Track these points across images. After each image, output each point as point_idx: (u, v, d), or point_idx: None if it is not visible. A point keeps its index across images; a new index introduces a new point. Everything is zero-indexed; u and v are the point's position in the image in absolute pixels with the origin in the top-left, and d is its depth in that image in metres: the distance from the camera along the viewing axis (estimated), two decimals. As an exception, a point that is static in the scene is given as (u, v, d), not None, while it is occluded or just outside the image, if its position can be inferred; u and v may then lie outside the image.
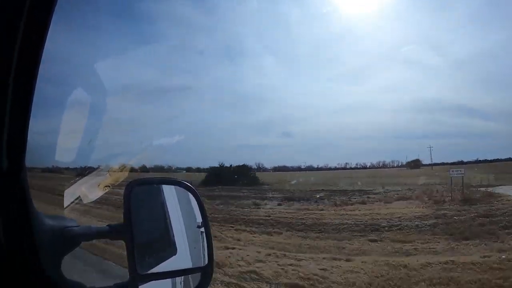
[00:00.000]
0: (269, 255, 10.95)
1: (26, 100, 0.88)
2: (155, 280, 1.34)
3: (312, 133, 41.32)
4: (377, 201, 18.89)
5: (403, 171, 32.32)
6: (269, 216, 16.64)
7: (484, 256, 9.80)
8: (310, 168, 36.02)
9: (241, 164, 29.64)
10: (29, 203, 0.93)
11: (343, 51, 43.81)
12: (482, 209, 15.08)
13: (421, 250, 11.44)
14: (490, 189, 18.96)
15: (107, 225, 1.19)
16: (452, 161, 34.72)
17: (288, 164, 35.37)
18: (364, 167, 39.53)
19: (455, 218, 14.47)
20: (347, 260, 10.34)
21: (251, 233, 14.43)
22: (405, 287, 8.42)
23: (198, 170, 34.50)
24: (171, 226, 1.93)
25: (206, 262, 1.52)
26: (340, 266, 9.82)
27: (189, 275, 1.65)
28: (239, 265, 9.78)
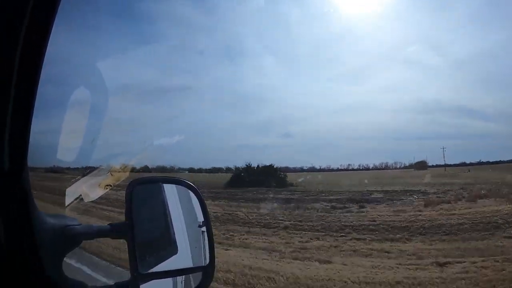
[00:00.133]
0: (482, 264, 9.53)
1: (28, 100, 0.88)
2: (156, 279, 1.34)
3: (313, 133, 41.31)
4: (453, 201, 17.72)
5: (413, 172, 31.65)
6: (375, 221, 14.99)
7: None
8: (312, 169, 35.89)
9: (267, 164, 28.17)
10: (31, 203, 0.93)
11: (344, 51, 43.78)
12: None
13: None
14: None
15: (108, 224, 1.19)
16: (454, 163, 34.66)
17: (290, 165, 35.22)
18: (367, 168, 39.43)
19: None
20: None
21: (391, 242, 12.51)
22: None
23: (200, 170, 34.49)
24: (172, 225, 1.93)
25: (207, 261, 1.53)
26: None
27: (190, 275, 1.65)
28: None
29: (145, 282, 1.25)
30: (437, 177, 27.75)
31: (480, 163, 35.49)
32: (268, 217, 16.03)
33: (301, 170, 35.81)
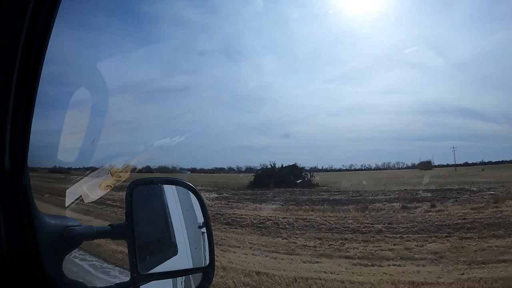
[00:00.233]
0: None
1: (28, 100, 0.89)
2: (156, 280, 1.34)
3: (313, 134, 41.25)
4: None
5: (422, 172, 30.95)
6: (465, 219, 14.01)
7: None
8: (315, 170, 35.75)
9: (291, 164, 27.00)
10: (31, 203, 0.93)
11: (344, 52, 43.70)
12: None
13: None
14: None
15: (108, 225, 1.19)
16: (458, 163, 34.62)
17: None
18: (369, 169, 39.33)
19: None
20: None
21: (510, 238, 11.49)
22: None
23: (203, 170, 34.45)
24: (172, 226, 1.93)
25: (207, 262, 1.52)
26: None
27: (190, 276, 1.65)
28: None
29: (145, 282, 1.25)
30: (456, 176, 27.22)
31: (482, 163, 35.48)
32: (350, 221, 14.90)
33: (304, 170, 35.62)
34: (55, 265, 0.99)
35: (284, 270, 9.51)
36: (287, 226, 14.62)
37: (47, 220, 1.01)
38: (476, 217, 14.35)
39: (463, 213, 15.15)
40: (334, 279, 8.85)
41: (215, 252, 1.52)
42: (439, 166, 34.21)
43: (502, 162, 32.17)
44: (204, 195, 20.38)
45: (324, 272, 9.42)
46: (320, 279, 8.74)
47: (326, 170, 37.20)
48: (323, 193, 22.44)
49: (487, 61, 37.29)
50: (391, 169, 37.59)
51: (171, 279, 1.61)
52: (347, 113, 42.49)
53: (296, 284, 8.53)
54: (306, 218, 15.54)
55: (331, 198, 20.15)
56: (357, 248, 11.92)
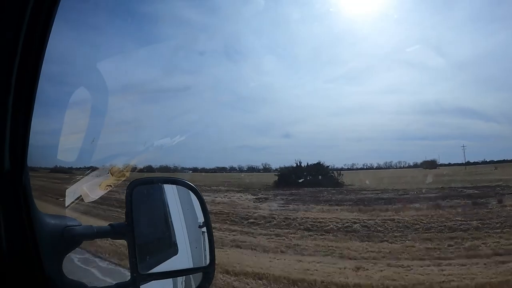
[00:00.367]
0: None
1: (28, 100, 0.88)
2: (156, 280, 1.34)
3: (313, 134, 41.21)
4: None
5: (431, 171, 30.75)
6: None
7: None
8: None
9: (316, 162, 25.85)
10: (31, 203, 0.93)
11: (345, 52, 43.66)
12: None
13: None
14: None
15: (108, 225, 1.19)
16: (459, 162, 34.55)
17: (294, 165, 35.12)
18: (371, 168, 39.24)
19: None
20: None
21: None
22: None
23: (204, 170, 34.39)
24: (172, 226, 1.93)
25: (208, 262, 1.52)
26: None
27: (191, 275, 1.65)
28: None
29: (146, 282, 1.25)
30: (473, 175, 26.70)
31: (484, 162, 35.44)
32: (441, 219, 14.06)
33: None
34: (55, 265, 0.99)
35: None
36: (379, 228, 13.77)
37: (47, 220, 1.01)
38: None
39: None
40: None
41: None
42: (441, 165, 34.16)
43: (504, 161, 32.16)
44: (235, 195, 19.90)
45: None
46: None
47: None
48: (364, 191, 21.25)
49: (489, 62, 37.17)
50: (393, 168, 37.47)
51: (171, 279, 1.61)
52: (348, 113, 42.41)
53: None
54: (393, 219, 14.56)
55: (379, 197, 19.00)
56: (479, 247, 11.45)
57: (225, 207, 16.97)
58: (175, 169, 28.50)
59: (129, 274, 1.21)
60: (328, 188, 22.48)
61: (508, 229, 12.72)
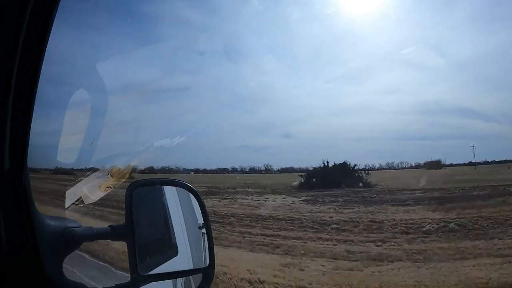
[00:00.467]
0: None
1: (28, 100, 0.88)
2: (156, 281, 1.33)
3: (313, 134, 41.19)
4: None
5: (434, 172, 30.35)
6: None
7: None
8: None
9: (341, 162, 24.85)
10: (31, 204, 0.93)
11: (345, 52, 43.70)
12: None
13: None
14: None
15: (108, 226, 1.19)
16: (461, 162, 34.52)
17: (295, 165, 35.04)
18: (372, 169, 39.29)
19: None
20: None
21: None
22: None
23: (206, 171, 34.33)
24: (172, 227, 1.93)
25: (208, 263, 1.52)
26: None
27: (191, 276, 1.64)
28: None
29: (145, 283, 1.25)
30: (488, 174, 25.56)
31: (486, 163, 35.44)
32: None
33: (307, 170, 35.46)
34: (55, 266, 0.99)
35: None
36: (476, 226, 12.69)
37: (47, 221, 1.01)
38: None
39: None
40: None
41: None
42: (444, 165, 34.11)
43: (506, 161, 32.18)
44: (269, 197, 18.55)
45: None
46: None
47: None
48: (404, 191, 19.74)
49: (489, 62, 37.16)
50: (395, 168, 37.41)
51: (171, 280, 1.60)
52: (348, 113, 42.35)
53: None
54: (482, 216, 13.43)
55: (433, 197, 17.50)
56: None
57: (286, 212, 15.56)
58: (177, 170, 28.37)
59: (129, 275, 1.21)
60: (363, 188, 21.56)
61: None
